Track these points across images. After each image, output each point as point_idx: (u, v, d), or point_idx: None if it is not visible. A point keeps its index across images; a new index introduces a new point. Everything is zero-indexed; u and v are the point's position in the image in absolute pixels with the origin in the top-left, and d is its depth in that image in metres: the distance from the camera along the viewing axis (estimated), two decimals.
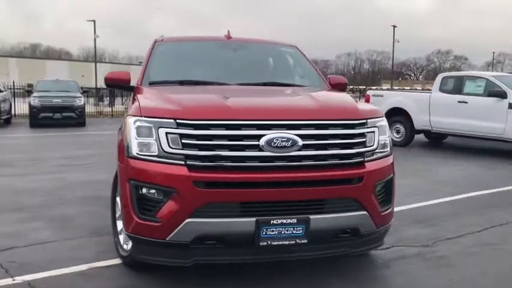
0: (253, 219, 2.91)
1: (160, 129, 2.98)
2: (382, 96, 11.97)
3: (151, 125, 3.02)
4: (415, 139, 11.85)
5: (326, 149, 3.08)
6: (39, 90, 16.86)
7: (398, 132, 11.55)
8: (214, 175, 2.90)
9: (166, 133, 2.97)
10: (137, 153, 3.02)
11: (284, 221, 2.95)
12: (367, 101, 12.20)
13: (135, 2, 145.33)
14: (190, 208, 2.89)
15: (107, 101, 30.71)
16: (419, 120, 11.07)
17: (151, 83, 4.08)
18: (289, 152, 2.97)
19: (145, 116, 3.07)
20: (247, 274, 3.47)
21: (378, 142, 3.31)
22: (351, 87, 47.49)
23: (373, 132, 3.28)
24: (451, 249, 4.14)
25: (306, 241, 3.00)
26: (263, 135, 2.95)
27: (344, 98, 3.71)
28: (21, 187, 6.37)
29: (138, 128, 3.06)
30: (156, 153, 2.98)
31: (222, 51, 4.67)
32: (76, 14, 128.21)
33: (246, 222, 2.91)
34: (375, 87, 24.32)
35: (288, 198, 2.98)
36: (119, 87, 4.41)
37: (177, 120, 2.98)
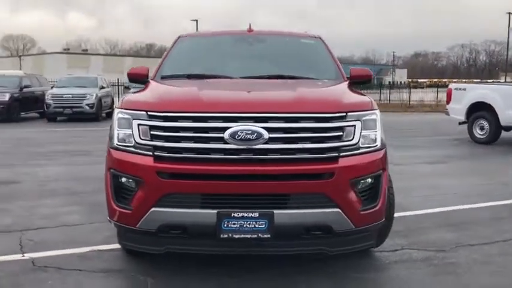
0: (215, 211, 2.92)
1: (134, 120, 3.11)
2: (464, 89, 11.07)
3: (129, 116, 3.15)
4: (505, 137, 10.83)
5: (295, 143, 2.98)
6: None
7: (482, 128, 10.62)
8: (177, 166, 2.96)
9: (139, 125, 3.08)
10: (117, 144, 3.18)
11: (245, 215, 2.92)
12: (449, 95, 11.38)
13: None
14: (155, 197, 2.98)
15: None
16: (507, 116, 10.07)
17: (163, 77, 4.24)
18: (254, 145, 2.92)
19: (125, 108, 3.22)
20: (241, 264, 3.49)
21: (361, 136, 3.12)
22: (464, 80, 44.20)
23: (354, 126, 3.10)
24: (468, 256, 3.78)
25: (269, 236, 2.93)
26: (228, 128, 2.94)
27: (332, 91, 3.55)
28: (85, 175, 6.89)
29: (118, 119, 3.21)
30: (132, 144, 3.11)
31: (239, 44, 4.68)
32: (189, 14, 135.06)
33: (208, 214, 2.93)
34: (477, 80, 22.51)
35: (250, 191, 2.93)
36: (139, 81, 4.62)
37: (149, 112, 3.08)
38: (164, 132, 3.01)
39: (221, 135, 2.93)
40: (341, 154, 3.03)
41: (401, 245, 3.97)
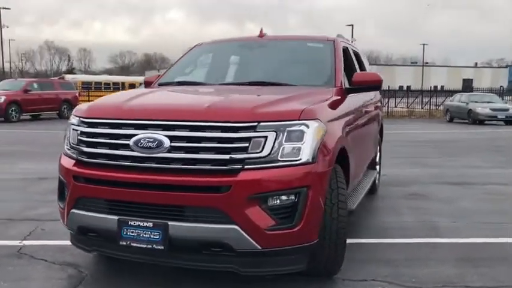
0: (116, 217, 2.95)
1: (71, 125, 3.32)
2: None
3: (75, 122, 3.37)
4: None
5: (197, 153, 2.84)
6: None
7: None
8: (86, 171, 3.07)
9: (73, 129, 3.28)
10: (65, 148, 3.42)
11: (141, 224, 2.89)
12: None
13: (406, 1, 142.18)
14: (72, 200, 3.13)
15: None
16: None
17: (160, 84, 4.41)
18: (156, 153, 2.88)
19: (73, 114, 3.45)
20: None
21: (280, 149, 2.84)
22: None
23: (265, 137, 2.83)
24: None
25: (162, 247, 2.85)
26: (134, 135, 2.95)
27: (264, 99, 3.24)
28: None
29: (68, 125, 3.45)
30: (68, 148, 3.33)
31: (242, 51, 4.62)
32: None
33: (110, 220, 2.97)
34: None
35: (147, 200, 2.89)
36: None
37: (80, 118, 3.25)
38: (86, 137, 3.14)
39: (127, 142, 2.95)
40: (245, 167, 2.79)
41: (376, 276, 3.45)
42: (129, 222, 2.91)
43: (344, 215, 3.20)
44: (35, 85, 21.07)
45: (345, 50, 4.81)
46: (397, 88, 40.97)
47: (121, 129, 3.03)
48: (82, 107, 3.42)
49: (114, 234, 2.95)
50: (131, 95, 3.52)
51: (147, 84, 4.65)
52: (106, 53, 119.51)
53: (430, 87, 37.08)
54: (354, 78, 4.07)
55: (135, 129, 2.98)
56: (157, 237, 2.86)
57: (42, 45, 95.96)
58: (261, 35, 4.72)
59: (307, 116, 2.99)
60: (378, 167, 6.56)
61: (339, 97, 3.82)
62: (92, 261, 3.76)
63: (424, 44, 72.36)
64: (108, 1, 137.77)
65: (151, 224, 2.87)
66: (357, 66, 5.03)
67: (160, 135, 2.89)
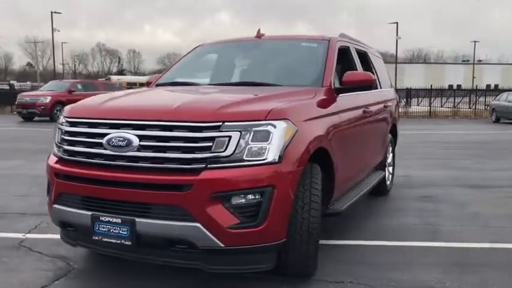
0: (90, 213, 3.07)
1: (58, 125, 3.48)
2: None
3: (60, 121, 3.52)
4: None
5: (164, 152, 2.92)
6: None
7: None
8: (66, 168, 3.21)
9: (58, 128, 3.44)
10: (53, 147, 3.58)
11: (111, 220, 2.99)
12: None
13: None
14: (55, 196, 3.28)
15: (403, 102, 30.95)
16: None
17: (158, 84, 4.54)
18: (126, 152, 2.98)
19: (61, 114, 3.61)
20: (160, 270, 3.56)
21: (245, 148, 2.87)
22: None
23: (229, 136, 2.87)
24: None
25: (130, 243, 2.95)
26: (107, 134, 3.06)
27: (236, 98, 3.27)
28: None
29: (56, 124, 3.61)
30: (54, 146, 3.49)
31: (238, 52, 4.67)
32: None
33: (84, 215, 3.10)
34: None
35: (117, 197, 2.99)
36: None
37: (64, 118, 3.41)
38: (67, 136, 3.29)
39: (101, 140, 3.07)
40: (208, 166, 2.85)
41: (355, 278, 3.42)
42: (101, 218, 3.03)
43: (316, 216, 3.19)
44: (79, 86, 21.94)
45: (344, 50, 4.76)
46: (447, 87, 39.78)
47: (97, 128, 3.15)
48: (68, 107, 3.57)
49: (89, 229, 3.08)
50: (115, 95, 3.64)
51: (148, 84, 4.78)
52: (155, 55, 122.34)
53: (476, 86, 35.66)
54: (344, 78, 4.03)
55: (109, 128, 3.09)
56: (126, 233, 2.96)
57: (94, 48, 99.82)
58: (259, 35, 4.75)
59: (274, 116, 3.00)
60: (390, 168, 6.43)
61: (324, 97, 3.80)
62: (84, 256, 3.91)
63: (475, 42, 69.56)
64: (158, 4, 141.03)
65: (119, 220, 2.97)
66: (359, 66, 4.95)
67: (130, 135, 2.98)
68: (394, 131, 6.42)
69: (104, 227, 3.03)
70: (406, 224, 4.92)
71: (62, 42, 63.37)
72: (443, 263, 3.77)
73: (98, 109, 3.29)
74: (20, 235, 4.43)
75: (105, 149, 3.05)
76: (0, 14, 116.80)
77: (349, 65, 4.87)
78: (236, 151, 2.87)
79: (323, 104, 3.72)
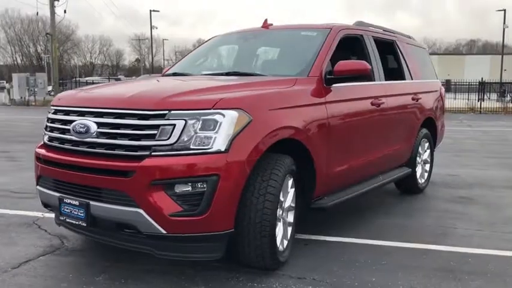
0: (58, 195, 3.28)
1: (48, 113, 3.74)
2: None
3: (49, 109, 3.79)
4: None
5: (116, 138, 3.03)
6: None
7: None
8: (43, 152, 3.45)
9: (47, 116, 3.70)
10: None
11: (71, 202, 3.17)
12: None
13: None
14: (36, 178, 3.55)
15: (509, 96, 28.63)
16: None
17: (164, 74, 4.70)
18: (86, 138, 3.14)
19: None
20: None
21: (192, 137, 2.89)
22: None
23: (173, 125, 2.90)
24: None
25: (85, 224, 3.11)
26: (74, 121, 3.24)
27: (184, 86, 3.31)
28: None
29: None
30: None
31: (243, 42, 4.67)
32: None
33: (54, 197, 3.31)
34: None
35: (76, 181, 3.16)
36: None
37: (50, 105, 3.66)
38: (50, 123, 3.53)
39: (69, 127, 3.27)
40: (152, 154, 2.91)
41: (321, 276, 3.30)
42: (64, 200, 3.22)
43: (271, 208, 3.11)
44: None
45: (353, 39, 4.55)
46: None
47: (68, 115, 3.34)
48: (56, 96, 3.82)
49: (58, 210, 3.29)
50: (99, 85, 3.83)
51: (162, 74, 4.96)
52: None
53: None
54: (335, 68, 3.86)
55: (77, 115, 3.27)
56: (82, 214, 3.12)
57: (195, 44, 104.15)
58: (265, 25, 4.70)
59: (223, 105, 2.98)
60: (427, 166, 6.02)
61: (305, 87, 3.68)
62: (82, 237, 4.16)
63: None
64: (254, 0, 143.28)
65: (77, 203, 3.14)
66: (373, 55, 4.69)
67: (90, 122, 3.13)
68: (431, 126, 5.99)
69: (67, 208, 3.22)
70: (417, 224, 4.60)
71: (163, 39, 67.13)
72: (431, 267, 3.49)
73: (74, 98, 3.49)
74: (39, 214, 4.82)
75: (71, 135, 3.24)
76: (112, 12, 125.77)
77: (360, 54, 4.65)
78: (181, 140, 2.89)
79: (301, 94, 3.61)
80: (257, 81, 3.66)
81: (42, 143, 3.62)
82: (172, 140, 2.90)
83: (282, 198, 3.35)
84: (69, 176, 3.19)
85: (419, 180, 5.81)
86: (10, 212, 4.90)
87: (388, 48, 5.34)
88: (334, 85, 3.93)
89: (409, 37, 6.08)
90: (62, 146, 3.32)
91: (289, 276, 3.30)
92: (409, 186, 5.74)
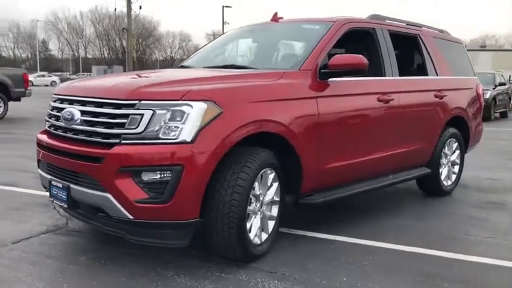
0: (49, 177, 3.52)
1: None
2: None
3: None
4: None
5: (94, 126, 3.19)
6: None
7: None
8: (41, 138, 3.69)
9: (49, 104, 3.96)
10: None
11: (57, 184, 3.39)
12: None
13: None
14: (37, 161, 3.81)
15: None
16: None
17: (178, 66, 4.87)
18: (72, 125, 3.33)
19: None
20: None
21: (161, 127, 2.98)
22: None
23: (142, 114, 3.01)
24: None
25: (66, 206, 3.32)
26: (64, 109, 3.46)
27: (159, 78, 3.36)
28: None
29: None
30: None
31: (248, 36, 4.69)
32: None
33: (46, 179, 3.55)
34: None
35: (61, 165, 3.36)
36: None
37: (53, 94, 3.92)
38: (49, 110, 3.78)
39: (60, 114, 3.48)
40: (122, 142, 3.04)
41: (292, 271, 3.27)
42: (52, 182, 3.44)
43: (239, 200, 3.13)
44: None
45: (362, 32, 4.43)
46: None
47: (62, 103, 3.56)
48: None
49: (49, 191, 3.53)
50: (97, 76, 4.03)
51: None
52: None
53: None
54: (330, 62, 3.77)
55: (68, 104, 3.48)
56: (64, 197, 3.32)
57: None
58: (275, 18, 4.68)
59: (192, 97, 3.04)
60: (456, 167, 5.69)
61: (293, 80, 3.64)
62: None
63: None
64: None
65: (61, 185, 3.35)
66: (385, 49, 4.52)
67: (75, 110, 3.32)
68: (462, 125, 5.65)
69: (54, 190, 3.44)
70: (425, 227, 4.38)
71: None
72: (412, 271, 3.34)
73: (69, 87, 3.71)
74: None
75: (61, 122, 3.45)
76: (189, 8, 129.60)
77: (371, 49, 4.50)
78: (149, 129, 2.99)
79: (285, 88, 3.57)
80: (245, 73, 3.67)
81: (43, 129, 3.88)
82: (140, 129, 3.00)
83: (258, 192, 3.36)
84: (57, 160, 3.40)
85: (445, 183, 5.51)
86: (36, 193, 5.27)
87: (409, 42, 5.12)
88: (332, 79, 3.84)
89: (441, 31, 5.77)
90: (55, 132, 3.55)
91: (261, 269, 3.31)
92: (431, 188, 5.47)
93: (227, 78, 3.51)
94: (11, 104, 14.16)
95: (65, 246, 3.73)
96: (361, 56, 3.80)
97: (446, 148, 5.45)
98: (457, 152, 5.70)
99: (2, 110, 13.90)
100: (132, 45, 36.11)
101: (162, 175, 2.99)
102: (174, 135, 2.98)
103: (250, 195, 3.28)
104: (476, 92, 5.97)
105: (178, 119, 3.00)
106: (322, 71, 3.80)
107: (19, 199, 5.03)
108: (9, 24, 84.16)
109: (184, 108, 3.01)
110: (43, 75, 57.35)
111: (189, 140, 2.98)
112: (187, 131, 2.98)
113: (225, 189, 3.13)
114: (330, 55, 3.94)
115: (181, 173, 2.96)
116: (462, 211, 5.01)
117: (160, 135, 2.99)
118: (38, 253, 3.55)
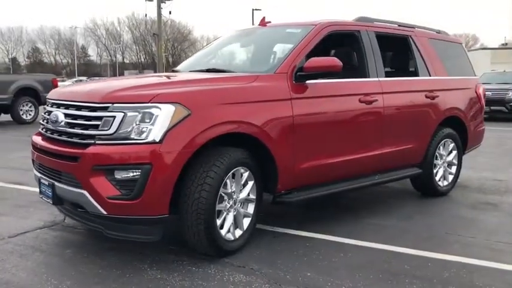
0: (39, 175, 3.78)
1: None
2: None
3: None
4: None
5: (74, 128, 3.44)
6: (482, 82, 16.29)
7: None
8: (34, 139, 3.96)
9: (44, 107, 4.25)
10: None
11: (44, 182, 3.65)
12: None
13: None
14: (32, 161, 4.09)
15: None
16: None
17: (172, 70, 5.09)
18: (57, 127, 3.59)
19: None
20: None
21: (125, 127, 3.19)
22: None
23: (114, 117, 3.22)
24: None
25: (51, 202, 3.57)
26: (52, 112, 3.72)
27: (134, 82, 3.56)
28: None
29: None
30: None
31: (236, 40, 4.85)
32: None
33: (37, 177, 3.82)
34: None
35: (48, 164, 3.62)
36: None
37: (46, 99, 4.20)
38: (43, 113, 4.06)
39: (48, 117, 3.75)
40: (96, 142, 3.26)
41: (261, 266, 3.41)
42: (41, 180, 3.71)
43: (207, 197, 3.30)
44: None
45: (344, 35, 4.52)
46: None
47: (52, 107, 3.83)
48: None
49: (39, 188, 3.81)
50: (86, 81, 4.29)
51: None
52: None
53: None
54: (305, 64, 3.90)
55: (56, 107, 3.74)
56: (50, 193, 3.58)
57: None
58: (263, 23, 4.82)
59: (160, 99, 3.24)
60: (453, 168, 5.66)
61: (266, 83, 3.78)
62: None
63: None
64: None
65: (47, 183, 3.60)
66: (371, 51, 4.59)
67: (60, 113, 3.58)
68: (458, 126, 5.62)
69: (43, 188, 3.71)
70: (409, 227, 4.42)
71: None
72: (379, 269, 3.42)
73: (58, 92, 3.98)
74: None
75: (49, 124, 3.71)
76: (220, 13, 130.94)
77: (356, 51, 4.59)
78: (120, 130, 3.20)
79: (258, 91, 3.71)
80: (218, 77, 3.85)
81: (38, 131, 4.16)
82: (112, 130, 3.22)
83: (230, 190, 3.52)
84: (45, 160, 3.66)
85: (440, 183, 5.50)
86: None
87: (400, 43, 5.16)
88: (310, 82, 3.96)
89: (438, 32, 5.77)
90: (45, 133, 3.82)
91: (231, 264, 3.46)
92: (425, 189, 5.47)
93: (199, 81, 3.70)
94: (41, 108, 14.83)
95: (54, 240, 3.99)
96: (335, 58, 3.90)
97: (441, 149, 5.44)
98: (454, 152, 5.67)
99: (33, 113, 14.57)
100: (162, 49, 36.90)
101: (132, 173, 3.19)
102: (144, 136, 3.18)
103: (222, 193, 3.44)
104: (476, 92, 5.93)
105: (147, 120, 3.19)
106: (298, 73, 3.93)
107: (26, 197, 5.36)
108: (50, 31, 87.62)
109: (153, 110, 3.20)
110: (80, 80, 59.40)
111: (157, 140, 3.17)
112: (156, 132, 3.17)
113: (194, 187, 3.31)
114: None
115: (149, 171, 3.16)
116: (452, 211, 5.00)
117: (132, 136, 3.20)
118: (29, 246, 3.82)
